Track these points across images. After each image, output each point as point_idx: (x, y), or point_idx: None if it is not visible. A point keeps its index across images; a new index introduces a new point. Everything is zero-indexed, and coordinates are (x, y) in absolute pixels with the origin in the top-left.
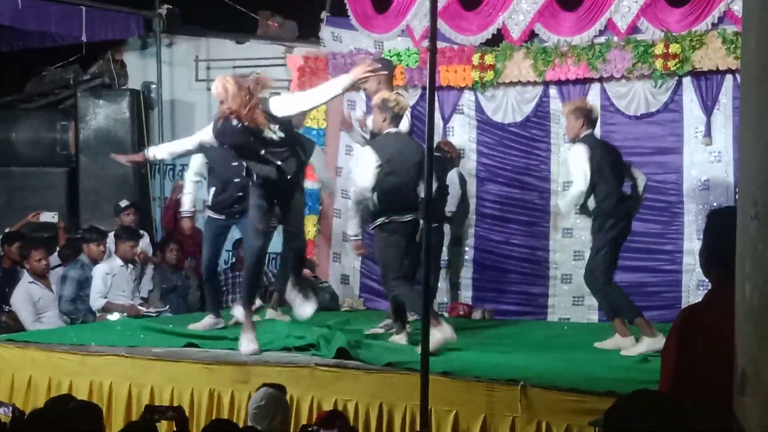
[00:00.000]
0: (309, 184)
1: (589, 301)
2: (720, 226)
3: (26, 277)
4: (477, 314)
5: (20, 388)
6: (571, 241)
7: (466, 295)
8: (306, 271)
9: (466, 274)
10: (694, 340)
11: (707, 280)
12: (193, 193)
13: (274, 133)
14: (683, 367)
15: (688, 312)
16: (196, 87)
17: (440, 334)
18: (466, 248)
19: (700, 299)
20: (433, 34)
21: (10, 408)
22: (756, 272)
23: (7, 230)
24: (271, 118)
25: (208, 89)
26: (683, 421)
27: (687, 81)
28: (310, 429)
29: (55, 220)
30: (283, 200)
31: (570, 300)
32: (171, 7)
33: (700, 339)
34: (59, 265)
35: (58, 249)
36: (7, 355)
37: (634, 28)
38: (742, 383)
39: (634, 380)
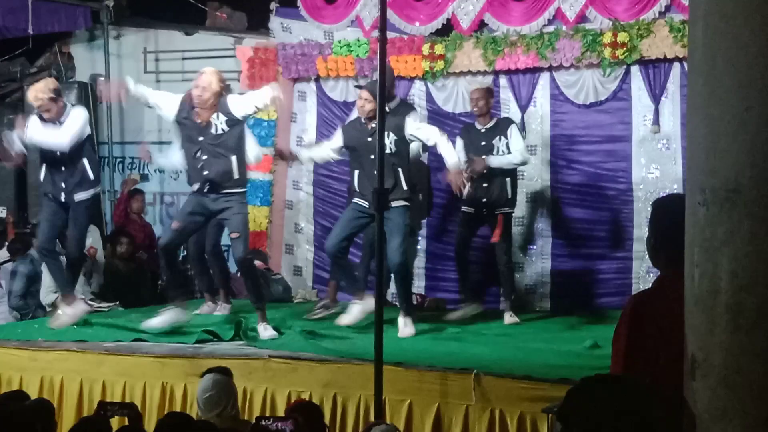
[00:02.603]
0: (260, 175)
1: (542, 290)
2: (667, 213)
3: None
4: (430, 304)
5: None
6: (519, 230)
7: (419, 285)
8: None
9: (419, 264)
10: (644, 327)
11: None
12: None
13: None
14: (634, 354)
15: (637, 298)
16: (144, 79)
17: (362, 306)
18: (419, 238)
19: (649, 286)
20: (383, 24)
21: None
22: (704, 259)
23: None
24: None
25: (157, 81)
26: (643, 402)
27: (635, 69)
28: (263, 422)
29: (4, 214)
30: None
31: (521, 288)
32: None
33: (650, 325)
34: (8, 260)
35: (7, 244)
36: None
37: (582, 17)
38: (692, 368)
39: (585, 367)
